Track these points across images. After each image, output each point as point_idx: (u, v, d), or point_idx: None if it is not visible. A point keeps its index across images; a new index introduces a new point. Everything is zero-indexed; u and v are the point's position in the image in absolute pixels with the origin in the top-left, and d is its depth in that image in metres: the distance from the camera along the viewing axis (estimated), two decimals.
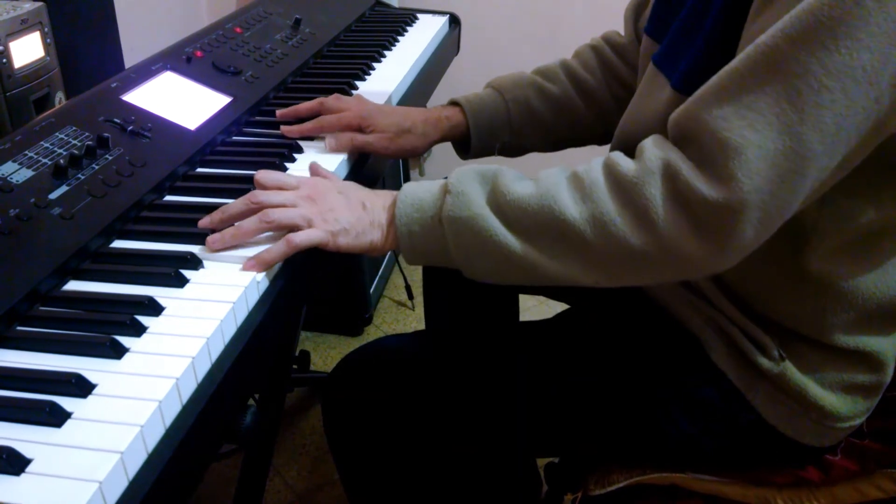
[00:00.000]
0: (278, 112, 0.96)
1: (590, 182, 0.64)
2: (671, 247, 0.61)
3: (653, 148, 0.63)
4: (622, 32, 1.02)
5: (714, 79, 0.60)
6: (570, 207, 0.63)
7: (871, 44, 0.55)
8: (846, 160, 0.60)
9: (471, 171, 0.70)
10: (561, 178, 0.66)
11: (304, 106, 0.95)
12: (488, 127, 0.99)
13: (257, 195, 0.71)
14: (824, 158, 0.58)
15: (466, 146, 1.01)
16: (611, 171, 0.64)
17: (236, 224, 0.70)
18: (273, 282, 0.69)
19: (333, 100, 0.95)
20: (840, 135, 0.57)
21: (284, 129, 0.93)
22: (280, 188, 0.73)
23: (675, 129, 0.63)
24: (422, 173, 2.39)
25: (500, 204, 0.66)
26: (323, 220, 0.70)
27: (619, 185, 0.62)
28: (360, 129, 0.93)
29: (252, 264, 0.66)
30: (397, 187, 0.74)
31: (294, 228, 0.69)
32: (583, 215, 0.63)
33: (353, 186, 0.76)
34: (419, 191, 0.71)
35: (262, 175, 0.74)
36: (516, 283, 0.69)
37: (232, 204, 0.72)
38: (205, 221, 0.71)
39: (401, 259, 2.09)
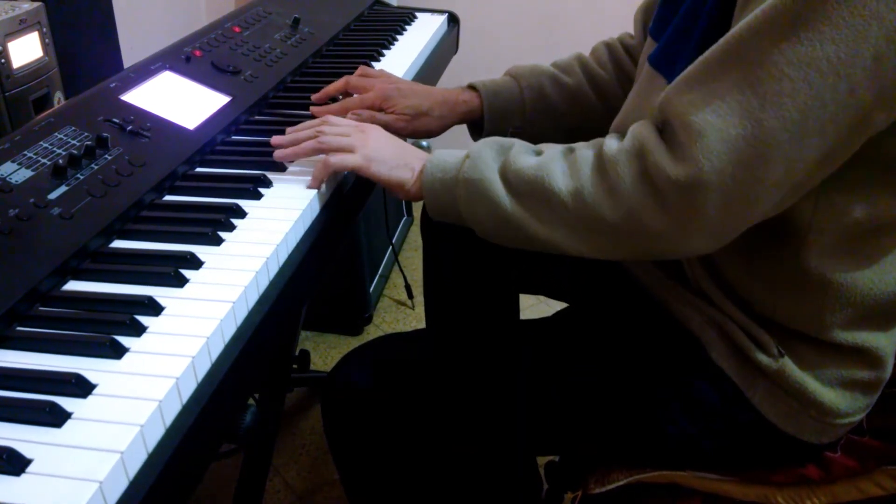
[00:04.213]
0: (314, 97, 1.03)
1: (581, 158, 0.69)
2: (638, 221, 0.64)
3: (635, 130, 0.67)
4: (633, 33, 1.04)
5: (689, 67, 0.63)
6: (559, 179, 0.68)
7: (836, 36, 0.56)
8: (830, 154, 0.60)
9: (492, 141, 0.77)
10: (560, 153, 0.72)
11: (332, 86, 1.03)
12: (502, 112, 1.02)
13: (324, 119, 0.86)
14: (791, 148, 0.58)
15: (480, 129, 1.04)
16: (598, 150, 0.68)
17: (296, 138, 0.84)
18: (273, 281, 0.69)
19: (358, 77, 1.02)
20: (808, 125, 0.58)
21: (313, 109, 1.00)
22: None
23: (656, 113, 0.66)
24: None
25: (507, 171, 0.72)
26: (363, 147, 0.80)
27: (601, 161, 0.67)
28: (381, 110, 0.99)
29: (309, 184, 0.81)
30: None
31: (340, 152, 0.80)
32: (567, 187, 0.68)
33: (397, 137, 0.86)
34: (447, 156, 0.78)
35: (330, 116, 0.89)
36: (514, 244, 0.75)
37: (304, 123, 0.87)
38: (276, 139, 0.86)
39: (401, 259, 2.09)
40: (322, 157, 0.82)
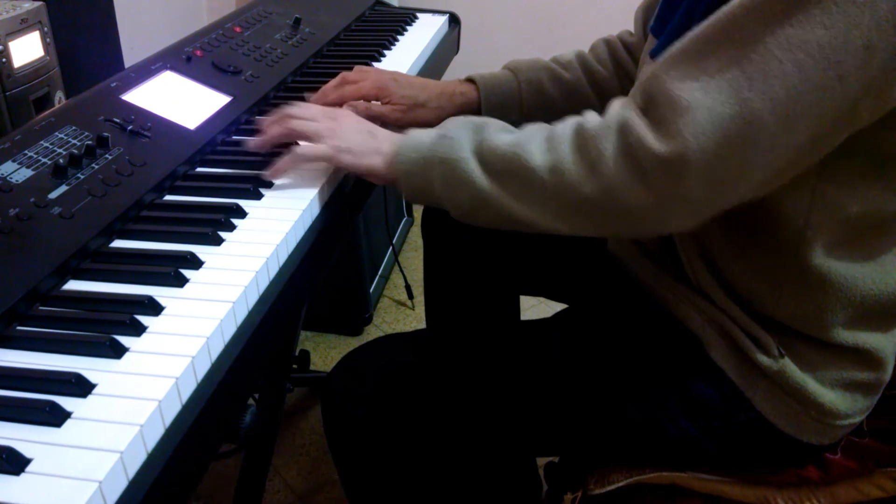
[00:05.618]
0: (309, 96, 1.02)
1: (559, 135, 0.68)
2: (618, 196, 0.64)
3: (616, 107, 0.66)
4: (633, 31, 1.04)
5: (677, 44, 0.63)
6: (536, 155, 0.68)
7: (827, 21, 0.55)
8: (816, 140, 0.60)
9: (466, 120, 0.76)
10: (537, 131, 0.71)
11: (329, 84, 1.02)
12: (499, 105, 1.02)
13: (288, 109, 0.83)
14: (778, 130, 0.58)
15: None
16: (577, 126, 0.68)
17: (264, 131, 0.83)
18: (273, 281, 0.69)
19: (354, 73, 1.01)
20: (796, 109, 0.57)
21: (311, 98, 0.99)
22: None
23: (641, 90, 0.65)
24: None
25: (482, 149, 0.71)
26: (331, 137, 0.79)
27: (581, 137, 0.66)
28: (377, 100, 0.98)
29: (267, 173, 0.80)
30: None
31: (308, 139, 0.80)
32: (545, 163, 0.67)
33: (368, 121, 0.85)
34: (421, 135, 0.77)
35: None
36: (492, 225, 0.74)
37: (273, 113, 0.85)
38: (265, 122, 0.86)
39: (401, 259, 2.09)
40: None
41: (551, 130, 0.70)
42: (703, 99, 0.59)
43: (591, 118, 0.68)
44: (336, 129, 0.80)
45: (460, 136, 0.73)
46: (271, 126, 0.82)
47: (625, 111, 0.65)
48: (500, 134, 0.72)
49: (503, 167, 0.69)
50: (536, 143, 0.69)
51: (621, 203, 0.64)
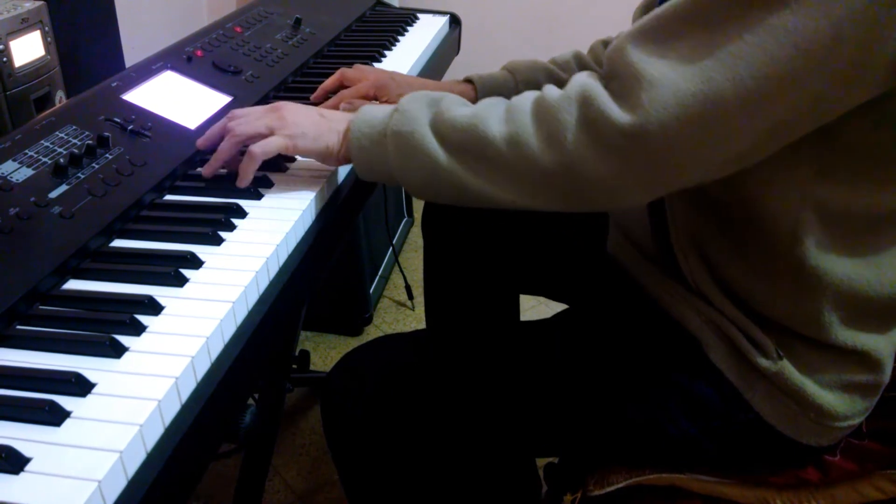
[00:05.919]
0: (312, 97, 1.03)
1: (518, 105, 0.68)
2: (577, 167, 0.63)
3: (578, 78, 0.66)
4: None
5: (644, 19, 0.62)
6: (493, 127, 0.67)
7: (799, 9, 0.55)
8: (780, 127, 0.60)
9: (421, 94, 0.75)
10: (496, 104, 0.70)
11: (328, 81, 1.03)
12: None
13: (228, 120, 0.81)
14: (741, 114, 0.58)
15: None
16: (537, 98, 0.67)
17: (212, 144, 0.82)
18: (273, 282, 0.69)
19: (353, 70, 1.02)
20: (760, 93, 0.57)
21: (311, 98, 1.01)
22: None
23: (605, 63, 0.65)
24: None
25: (438, 122, 0.71)
26: (282, 126, 0.78)
27: (540, 109, 0.66)
28: (375, 99, 0.99)
29: (238, 181, 0.79)
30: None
31: (259, 138, 0.78)
32: (502, 135, 0.66)
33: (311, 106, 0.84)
34: (374, 110, 0.76)
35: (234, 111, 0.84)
36: (449, 201, 0.73)
37: (212, 128, 0.83)
38: (201, 142, 0.84)
39: (401, 259, 2.09)
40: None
41: (510, 103, 0.69)
42: (669, 74, 0.58)
43: (551, 90, 0.67)
44: (285, 118, 0.79)
45: (415, 111, 0.72)
46: (220, 146, 0.81)
47: (587, 82, 0.64)
48: (457, 107, 0.71)
49: (460, 140, 0.68)
50: (495, 115, 0.68)
51: (581, 175, 0.63)
